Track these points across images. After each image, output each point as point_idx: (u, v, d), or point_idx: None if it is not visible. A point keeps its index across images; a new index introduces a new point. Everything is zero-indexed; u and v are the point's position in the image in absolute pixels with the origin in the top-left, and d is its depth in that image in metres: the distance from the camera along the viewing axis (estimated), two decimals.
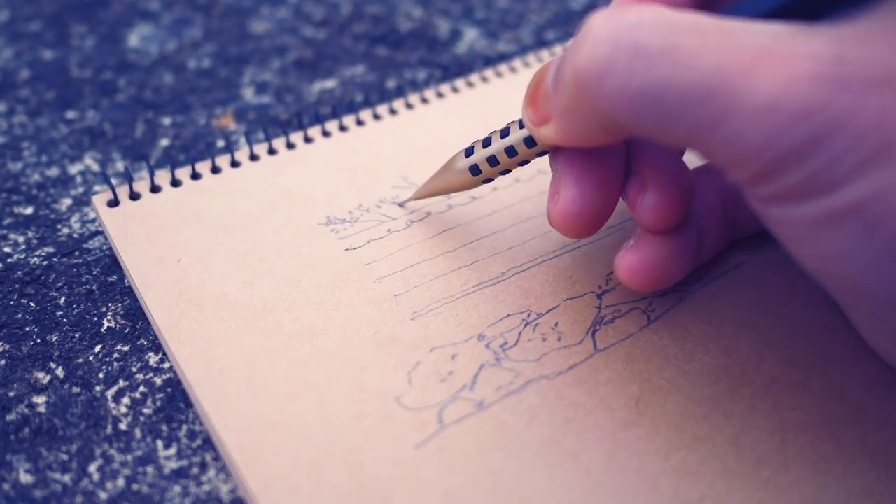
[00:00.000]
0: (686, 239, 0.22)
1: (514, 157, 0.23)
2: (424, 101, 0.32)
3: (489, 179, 0.24)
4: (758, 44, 0.15)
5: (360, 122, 0.31)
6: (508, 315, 0.23)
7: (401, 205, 0.27)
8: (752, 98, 0.15)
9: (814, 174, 0.15)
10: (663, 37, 0.16)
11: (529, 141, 0.22)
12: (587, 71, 0.17)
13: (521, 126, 0.22)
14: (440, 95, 0.32)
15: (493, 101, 0.32)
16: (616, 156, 0.22)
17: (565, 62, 0.18)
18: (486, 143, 0.23)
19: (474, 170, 0.24)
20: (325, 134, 0.30)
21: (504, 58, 0.37)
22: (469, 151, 0.24)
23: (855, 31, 0.16)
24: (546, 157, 0.29)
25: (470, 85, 0.33)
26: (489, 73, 0.34)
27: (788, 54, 0.15)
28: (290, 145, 0.29)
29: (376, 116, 0.31)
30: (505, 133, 0.23)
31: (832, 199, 0.15)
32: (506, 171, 0.23)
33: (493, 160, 0.23)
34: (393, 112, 0.31)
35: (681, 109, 0.16)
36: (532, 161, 0.23)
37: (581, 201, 0.21)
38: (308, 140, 0.30)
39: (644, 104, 0.16)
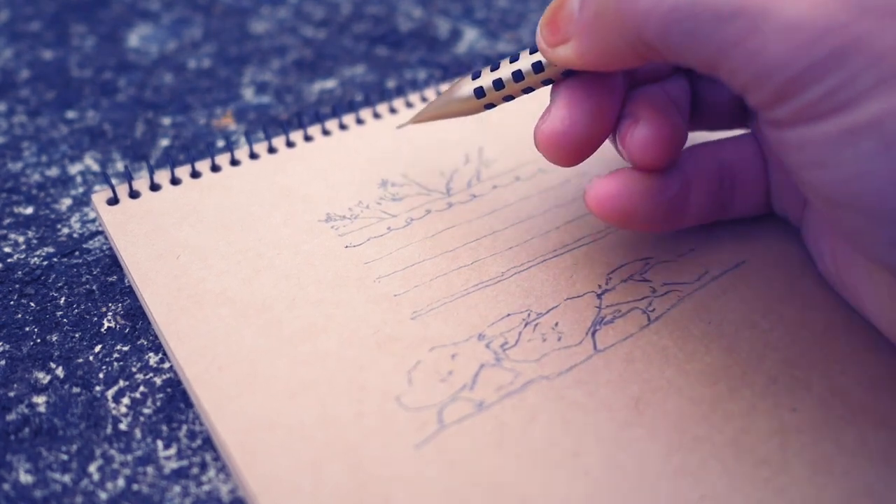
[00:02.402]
0: (665, 184, 0.22)
1: (520, 83, 0.23)
2: (425, 100, 0.32)
3: (491, 105, 0.24)
4: None
5: (360, 121, 0.31)
6: (508, 315, 0.23)
7: (399, 127, 0.28)
8: (780, 16, 0.16)
9: (833, 91, 0.16)
10: None
11: (538, 66, 0.22)
12: None
13: (532, 52, 0.22)
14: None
15: None
16: (614, 93, 0.22)
17: None
18: (495, 67, 0.23)
19: (478, 92, 0.24)
20: (325, 133, 0.30)
21: (504, 58, 0.37)
22: (476, 74, 0.24)
23: None
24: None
25: None
26: None
27: None
28: (290, 144, 0.29)
29: (376, 115, 0.31)
30: (514, 58, 0.23)
31: (850, 115, 0.16)
32: (509, 98, 0.23)
33: (498, 83, 0.23)
34: (393, 111, 0.31)
35: (711, 26, 0.17)
36: (537, 90, 0.24)
37: (569, 122, 0.22)
38: (308, 139, 0.30)
39: (676, 21, 0.17)
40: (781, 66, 0.16)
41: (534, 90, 0.23)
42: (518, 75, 0.23)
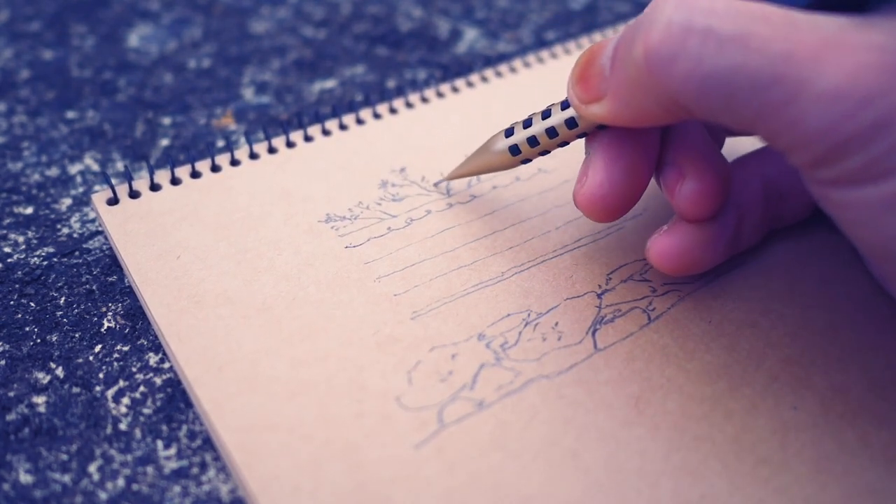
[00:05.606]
0: (722, 227, 0.22)
1: (555, 139, 0.23)
2: (424, 100, 0.32)
3: (528, 160, 0.24)
4: (824, 34, 0.16)
5: (360, 122, 0.31)
6: (508, 314, 0.23)
7: (436, 185, 0.28)
8: (820, 84, 0.16)
9: (876, 158, 0.16)
10: (734, 23, 0.16)
11: (571, 122, 0.22)
12: (659, 53, 0.17)
13: (563, 108, 0.22)
14: (440, 95, 0.32)
15: (493, 101, 0.32)
16: (650, 144, 0.22)
17: (631, 42, 0.18)
18: (527, 124, 0.24)
19: (514, 150, 0.24)
20: (326, 133, 0.30)
21: (504, 58, 0.37)
22: (509, 132, 0.24)
23: None
24: (552, 155, 0.29)
25: (470, 85, 0.33)
26: (489, 73, 0.34)
27: (854, 44, 0.16)
28: (290, 144, 0.29)
29: (376, 115, 0.31)
30: (546, 114, 0.23)
31: (893, 183, 0.16)
32: (545, 153, 0.24)
33: (532, 140, 0.23)
34: (393, 111, 0.31)
35: (749, 93, 0.16)
36: (554, 151, 0.24)
37: (608, 186, 0.21)
38: (308, 139, 0.30)
39: (713, 87, 0.17)
40: (822, 135, 0.16)
41: (568, 143, 0.23)
42: (552, 132, 0.23)
